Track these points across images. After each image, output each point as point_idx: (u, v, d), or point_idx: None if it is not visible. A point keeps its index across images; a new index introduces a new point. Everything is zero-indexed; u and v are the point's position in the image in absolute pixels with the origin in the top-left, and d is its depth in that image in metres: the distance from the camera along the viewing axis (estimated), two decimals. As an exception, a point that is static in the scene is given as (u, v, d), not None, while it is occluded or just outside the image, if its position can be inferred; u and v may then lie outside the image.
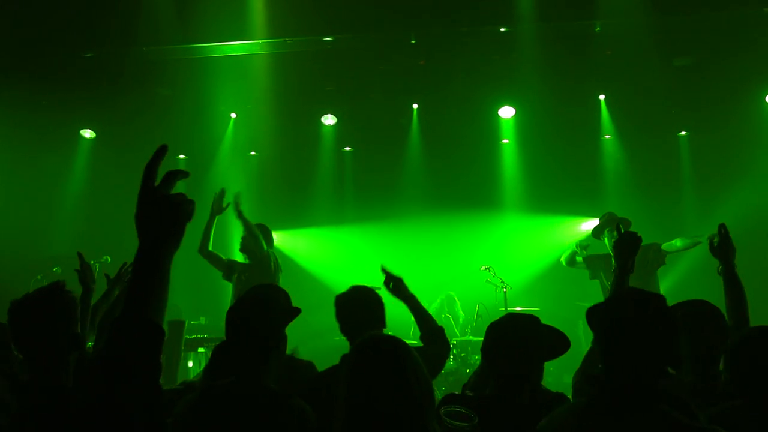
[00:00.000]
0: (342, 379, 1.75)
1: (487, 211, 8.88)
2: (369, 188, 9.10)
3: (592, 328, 1.94)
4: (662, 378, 1.73)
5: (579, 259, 6.26)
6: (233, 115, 8.91)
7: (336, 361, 2.82)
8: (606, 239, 6.01)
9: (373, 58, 7.63)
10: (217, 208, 5.64)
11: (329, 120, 8.77)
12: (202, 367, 5.07)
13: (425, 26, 7.03)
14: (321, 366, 3.09)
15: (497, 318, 2.54)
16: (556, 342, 2.50)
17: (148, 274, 1.30)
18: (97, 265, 6.06)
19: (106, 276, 3.74)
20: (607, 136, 8.79)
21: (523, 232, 9.03)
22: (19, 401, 1.89)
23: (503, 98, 8.33)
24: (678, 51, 7.41)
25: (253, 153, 9.49)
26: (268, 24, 6.88)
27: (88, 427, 1.69)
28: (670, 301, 2.02)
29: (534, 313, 2.60)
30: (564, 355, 2.54)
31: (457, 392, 2.69)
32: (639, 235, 2.62)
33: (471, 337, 6.98)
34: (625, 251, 2.60)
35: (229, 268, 5.84)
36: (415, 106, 8.77)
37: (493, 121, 8.68)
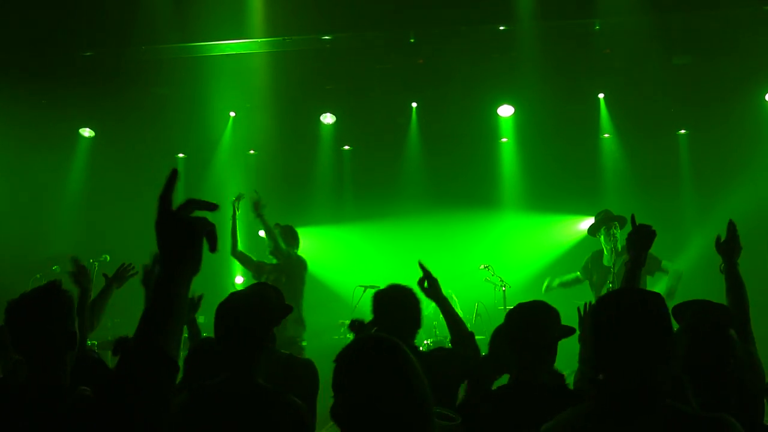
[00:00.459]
0: (340, 378, 1.75)
1: (485, 209, 8.88)
2: (368, 187, 9.09)
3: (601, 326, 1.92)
4: (663, 378, 1.73)
5: (578, 275, 6.29)
6: (232, 114, 8.90)
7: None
8: (602, 237, 6.03)
9: (372, 56, 7.63)
10: (235, 212, 5.93)
11: (328, 119, 8.76)
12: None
13: (424, 25, 7.03)
14: (320, 364, 3.08)
15: (496, 317, 2.61)
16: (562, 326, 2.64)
17: (165, 298, 1.23)
18: (96, 264, 6.07)
19: (105, 276, 3.74)
20: (606, 135, 8.79)
21: (522, 230, 9.02)
22: (17, 401, 1.89)
23: (502, 97, 8.32)
24: (677, 49, 7.41)
25: (252, 152, 9.48)
26: (267, 23, 6.88)
27: (86, 426, 1.69)
28: (670, 300, 2.01)
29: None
30: (563, 355, 2.62)
31: None
32: (653, 229, 2.61)
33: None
34: (638, 244, 2.60)
35: (258, 269, 6.03)
36: (414, 104, 8.76)
37: (492, 120, 8.67)
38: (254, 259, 6.15)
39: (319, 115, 8.73)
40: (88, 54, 7.34)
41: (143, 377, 1.18)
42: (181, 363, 1.32)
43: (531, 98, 7.99)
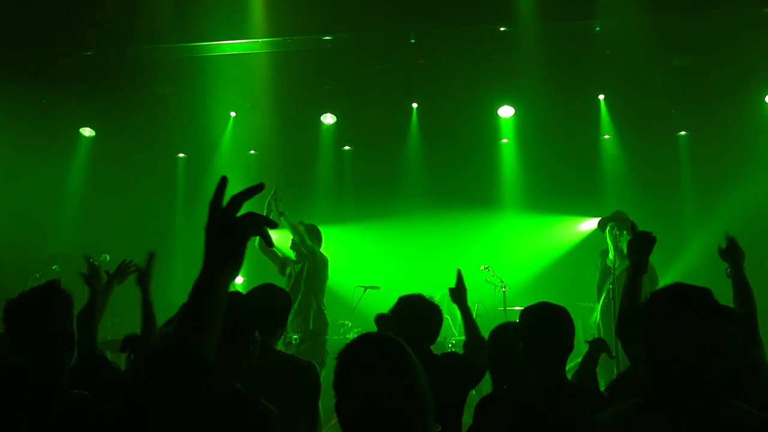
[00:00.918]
0: (341, 377, 1.74)
1: (486, 210, 8.88)
2: (368, 187, 9.09)
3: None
4: (719, 372, 1.73)
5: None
6: (233, 114, 8.90)
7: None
8: (607, 232, 6.13)
9: (372, 57, 7.63)
10: (270, 211, 5.98)
11: (329, 119, 8.75)
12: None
13: (424, 25, 7.03)
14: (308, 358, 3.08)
15: (496, 318, 2.62)
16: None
17: (204, 299, 1.24)
18: (96, 263, 6.06)
19: (106, 272, 3.73)
20: (606, 136, 8.79)
21: (523, 231, 9.01)
22: (16, 400, 1.89)
23: (503, 98, 8.31)
24: (677, 50, 7.41)
25: (252, 152, 9.48)
26: (268, 23, 6.88)
27: (84, 425, 1.69)
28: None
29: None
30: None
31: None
32: (654, 235, 2.67)
33: (470, 337, 6.97)
34: (639, 249, 2.65)
35: (282, 264, 6.28)
36: (414, 105, 8.76)
37: (492, 121, 8.67)
38: (280, 255, 6.34)
39: (320, 116, 8.72)
40: (89, 54, 7.34)
41: (174, 377, 1.19)
42: None
43: (531, 99, 7.99)
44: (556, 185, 8.60)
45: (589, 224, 8.82)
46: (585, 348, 3.20)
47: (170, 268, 7.03)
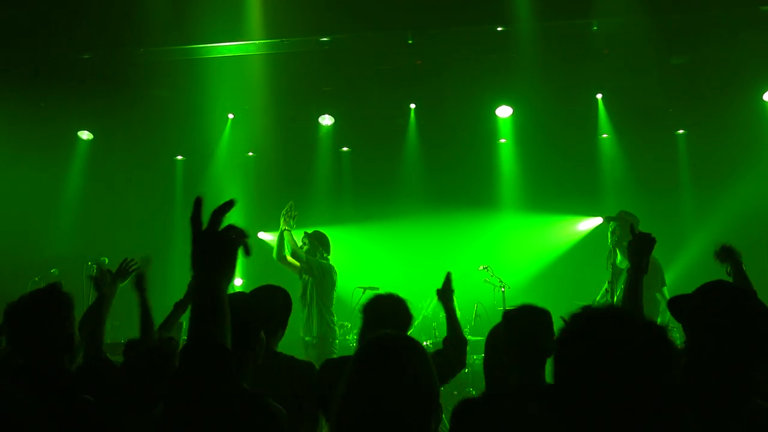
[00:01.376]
0: (349, 376, 1.74)
1: (485, 210, 8.89)
2: (367, 188, 9.10)
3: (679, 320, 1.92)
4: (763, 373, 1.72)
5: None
6: (231, 116, 8.90)
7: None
8: (610, 229, 6.13)
9: (370, 58, 7.63)
10: (285, 222, 6.39)
11: (327, 120, 8.75)
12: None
13: (422, 26, 7.02)
14: (318, 363, 3.09)
15: (496, 318, 2.60)
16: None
17: (208, 300, 1.38)
18: (94, 266, 6.05)
19: (109, 272, 3.73)
20: (604, 135, 8.80)
21: (521, 231, 9.02)
22: (15, 401, 1.88)
23: (500, 98, 8.32)
24: (675, 49, 7.41)
25: (250, 154, 9.48)
26: (265, 24, 6.87)
27: (83, 427, 1.69)
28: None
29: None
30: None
31: (455, 392, 2.73)
32: (653, 236, 2.67)
33: (469, 337, 6.96)
34: (638, 251, 2.65)
35: (299, 271, 6.53)
36: (412, 106, 8.77)
37: (490, 121, 8.67)
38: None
39: (318, 117, 8.72)
40: (87, 56, 7.32)
41: (203, 366, 1.33)
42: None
43: (529, 99, 8.00)
44: (555, 185, 8.62)
45: (587, 223, 8.84)
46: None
47: (168, 271, 7.03)
